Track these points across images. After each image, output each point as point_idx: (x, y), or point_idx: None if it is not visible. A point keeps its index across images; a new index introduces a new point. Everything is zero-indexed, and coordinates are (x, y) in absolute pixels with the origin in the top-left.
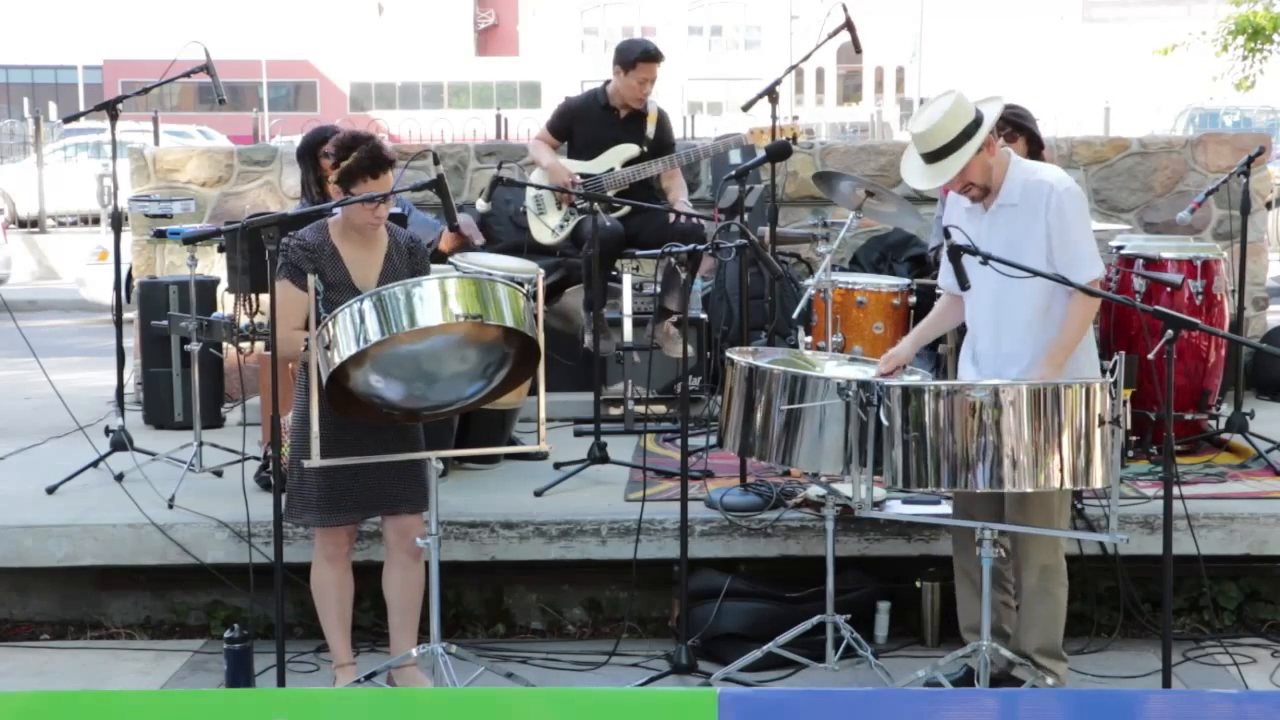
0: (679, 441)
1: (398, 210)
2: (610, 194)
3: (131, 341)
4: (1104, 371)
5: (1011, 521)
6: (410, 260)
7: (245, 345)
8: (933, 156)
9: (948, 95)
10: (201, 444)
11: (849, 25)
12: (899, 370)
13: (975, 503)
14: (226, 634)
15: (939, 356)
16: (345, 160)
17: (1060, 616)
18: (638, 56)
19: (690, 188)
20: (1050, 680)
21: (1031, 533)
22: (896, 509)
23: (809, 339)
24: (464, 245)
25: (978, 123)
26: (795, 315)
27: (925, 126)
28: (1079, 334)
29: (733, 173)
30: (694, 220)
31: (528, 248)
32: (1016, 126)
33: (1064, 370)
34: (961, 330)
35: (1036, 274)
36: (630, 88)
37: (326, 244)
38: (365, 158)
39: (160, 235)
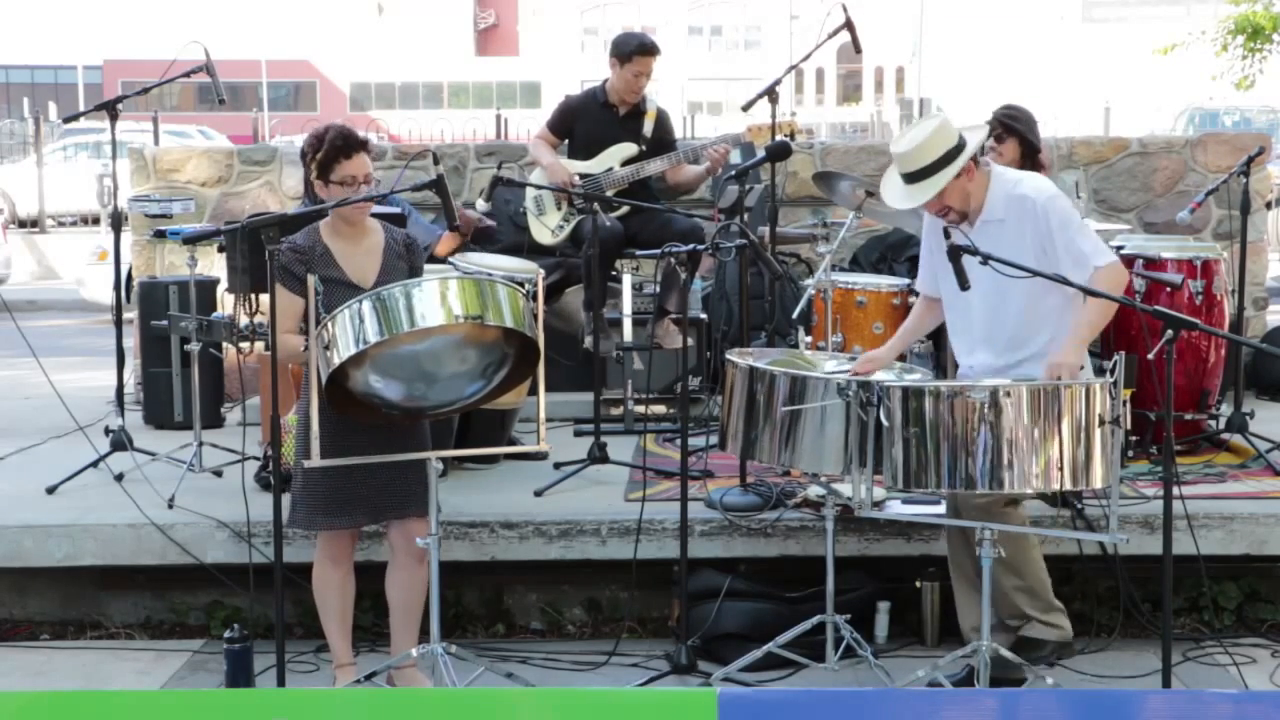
0: (679, 441)
1: (397, 210)
2: (609, 193)
3: (131, 341)
4: (1104, 371)
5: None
6: (408, 256)
7: (245, 345)
8: (912, 177)
9: (933, 118)
10: (201, 444)
11: (849, 25)
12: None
13: (968, 501)
14: (226, 634)
15: (938, 356)
16: (320, 151)
17: (1042, 572)
18: (633, 49)
19: (693, 186)
20: (1055, 635)
21: (1031, 533)
22: (896, 509)
23: (809, 339)
24: (463, 246)
25: (960, 148)
26: (795, 315)
27: (907, 147)
28: (1101, 319)
29: (733, 173)
30: (709, 150)
31: (528, 248)
32: (1007, 129)
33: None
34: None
35: (1035, 273)
36: (626, 81)
37: (318, 245)
38: (337, 139)
39: (160, 235)
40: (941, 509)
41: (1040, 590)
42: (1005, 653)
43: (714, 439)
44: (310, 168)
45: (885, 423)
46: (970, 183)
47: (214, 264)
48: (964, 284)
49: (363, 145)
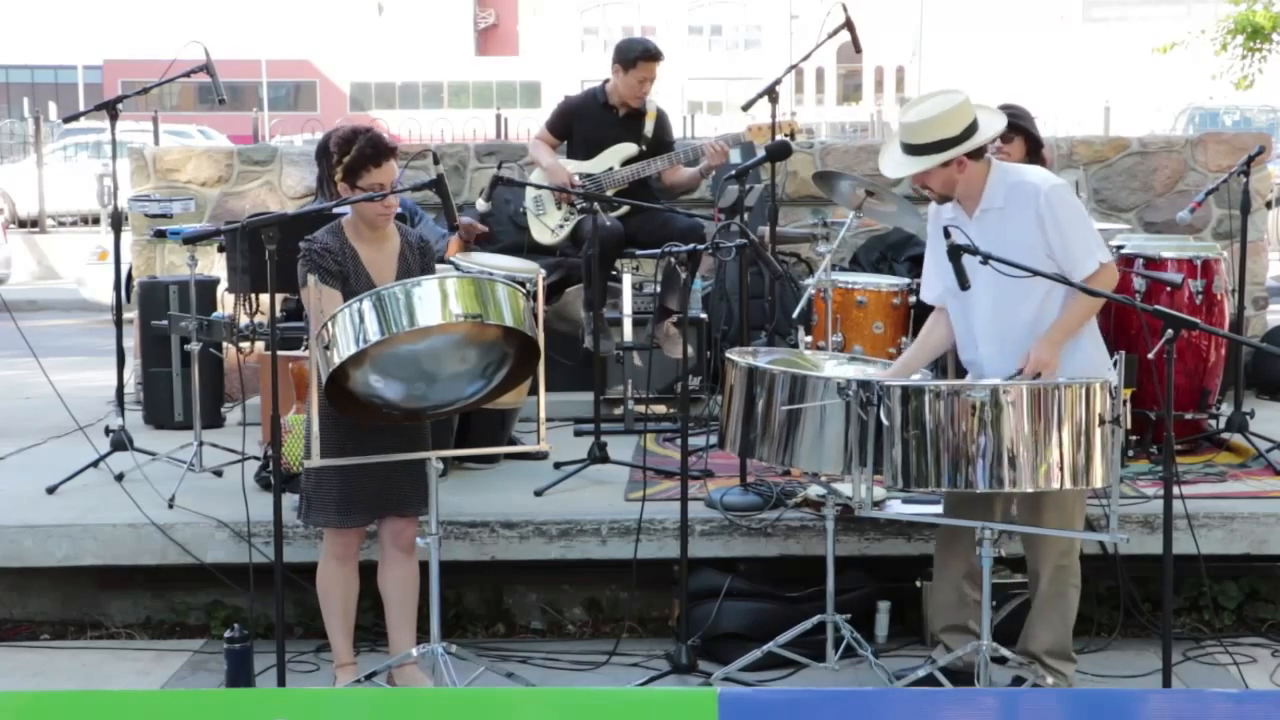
0: (679, 441)
1: (400, 211)
2: (609, 193)
3: (131, 341)
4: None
5: (1025, 522)
6: (422, 259)
7: (245, 345)
8: (908, 149)
9: (951, 95)
10: (201, 444)
11: (849, 25)
12: None
13: (966, 503)
14: (226, 634)
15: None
16: (348, 154)
17: (1071, 617)
18: (638, 55)
19: (690, 188)
20: (1051, 680)
21: (1033, 533)
22: (896, 509)
23: (809, 339)
24: (466, 246)
25: (962, 138)
26: (795, 315)
27: (913, 119)
28: (1081, 319)
29: (733, 172)
30: (703, 147)
31: (528, 247)
32: (1013, 127)
33: (1064, 362)
34: None
35: (1036, 273)
36: (630, 86)
37: (346, 246)
38: (367, 146)
39: (160, 235)
40: (941, 508)
41: (1062, 631)
42: (1005, 651)
43: (714, 439)
44: (335, 169)
45: (885, 422)
46: (960, 174)
47: (214, 264)
48: (964, 284)
49: (392, 152)
